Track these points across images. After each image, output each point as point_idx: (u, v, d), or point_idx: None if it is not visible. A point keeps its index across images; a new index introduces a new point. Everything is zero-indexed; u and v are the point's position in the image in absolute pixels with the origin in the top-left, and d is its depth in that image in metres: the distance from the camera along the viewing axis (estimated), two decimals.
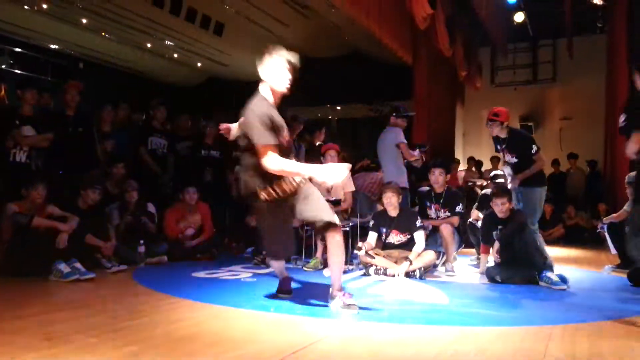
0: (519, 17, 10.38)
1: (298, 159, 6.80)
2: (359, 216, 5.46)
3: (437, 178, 5.16)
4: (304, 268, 4.99)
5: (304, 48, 11.78)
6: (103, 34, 9.79)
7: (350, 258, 5.16)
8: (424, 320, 2.93)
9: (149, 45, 10.52)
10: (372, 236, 4.82)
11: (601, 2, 9.60)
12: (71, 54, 10.52)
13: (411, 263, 4.51)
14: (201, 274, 4.57)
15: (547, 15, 10.71)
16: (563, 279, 4.09)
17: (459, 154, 11.58)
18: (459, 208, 5.11)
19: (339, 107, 13.46)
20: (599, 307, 3.55)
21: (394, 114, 5.91)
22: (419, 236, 4.68)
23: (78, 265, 4.15)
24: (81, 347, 2.28)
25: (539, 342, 2.49)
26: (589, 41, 10.80)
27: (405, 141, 5.80)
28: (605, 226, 5.52)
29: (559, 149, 10.89)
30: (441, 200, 5.16)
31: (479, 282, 4.52)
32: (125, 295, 3.70)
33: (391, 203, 4.79)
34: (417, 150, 5.95)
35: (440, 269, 4.98)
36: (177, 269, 5.05)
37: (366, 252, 4.63)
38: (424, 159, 6.19)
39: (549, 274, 4.12)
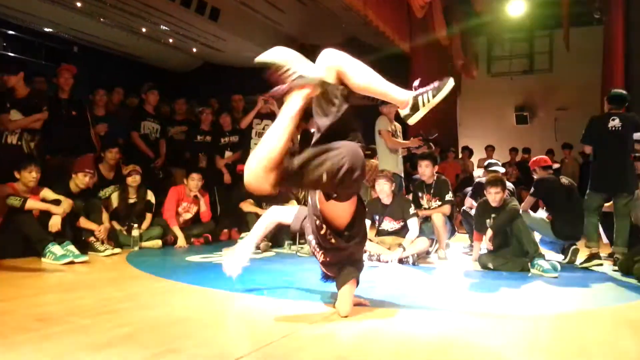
0: (516, 7, 10.35)
1: (293, 144, 6.85)
2: None
3: (424, 170, 5.19)
4: (298, 254, 5.01)
5: (300, 35, 11.76)
6: (98, 17, 9.69)
7: None
8: (416, 306, 2.96)
9: (144, 29, 10.40)
10: (366, 223, 4.82)
11: None
12: (65, 38, 10.41)
13: (404, 249, 4.53)
14: (195, 258, 4.58)
15: (544, 5, 10.68)
16: (554, 267, 4.12)
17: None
18: (448, 196, 5.15)
19: None
20: (589, 295, 3.59)
21: (379, 102, 5.91)
22: (413, 223, 4.70)
23: (71, 247, 4.16)
24: (74, 328, 2.29)
25: (529, 329, 2.51)
26: (585, 32, 10.79)
27: (388, 128, 5.76)
28: None
29: (553, 139, 10.93)
30: (432, 191, 5.19)
31: (472, 269, 4.55)
32: (118, 279, 3.70)
33: (383, 190, 4.81)
34: (418, 138, 5.90)
35: (433, 256, 5.01)
36: (171, 253, 5.06)
37: None
38: (432, 147, 6.15)
39: (540, 261, 4.15)
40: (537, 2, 10.45)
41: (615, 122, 4.71)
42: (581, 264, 4.69)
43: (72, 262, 4.02)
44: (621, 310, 3.05)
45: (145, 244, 5.14)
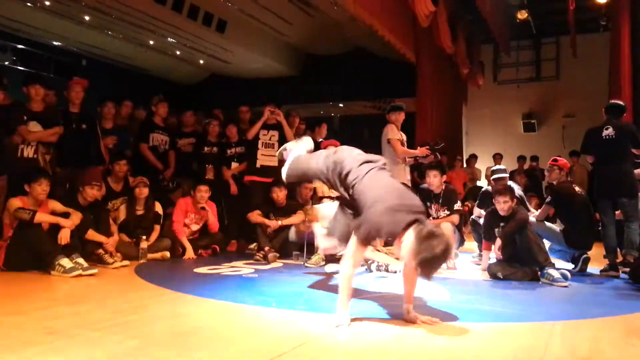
0: (522, 14, 10.36)
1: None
2: None
3: (432, 180, 5.19)
4: (306, 264, 5.00)
5: (306, 45, 11.84)
6: (106, 31, 9.81)
7: None
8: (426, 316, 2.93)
9: (151, 42, 10.54)
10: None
11: (605, 0, 9.56)
12: (74, 51, 10.55)
13: None
14: (203, 270, 4.58)
15: (551, 12, 10.69)
16: (564, 276, 4.08)
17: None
18: (457, 206, 5.14)
19: (341, 105, 13.46)
20: (599, 304, 3.56)
21: (387, 111, 5.92)
22: None
23: (80, 260, 4.18)
24: (83, 341, 2.29)
25: (539, 338, 2.49)
26: (592, 39, 10.77)
27: (398, 136, 5.75)
28: None
29: (561, 147, 10.87)
30: (440, 200, 5.18)
31: (481, 278, 4.52)
32: (127, 291, 3.71)
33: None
34: (425, 147, 5.90)
35: (442, 265, 4.97)
36: (179, 264, 5.06)
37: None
38: (439, 157, 6.15)
39: (550, 270, 4.12)
40: (543, 9, 10.46)
41: (608, 131, 4.93)
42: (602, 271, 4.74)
43: (80, 275, 4.03)
44: (632, 319, 3.02)
45: (153, 255, 5.15)
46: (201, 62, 11.90)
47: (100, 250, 4.71)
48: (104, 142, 5.88)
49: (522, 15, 10.38)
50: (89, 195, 4.87)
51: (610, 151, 4.90)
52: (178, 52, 11.27)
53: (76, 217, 4.49)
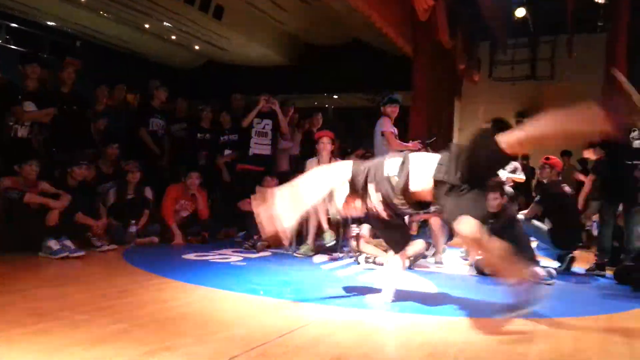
0: (520, 12, 10.34)
1: (293, 145, 6.82)
2: None
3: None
4: (295, 254, 5.01)
5: (303, 35, 11.77)
6: (101, 12, 9.70)
7: (341, 246, 5.19)
8: (412, 309, 2.96)
9: (147, 26, 10.43)
10: (366, 227, 4.84)
11: (603, 1, 9.57)
12: (69, 32, 10.43)
13: None
14: (191, 256, 4.58)
15: (548, 11, 10.67)
16: (550, 274, 4.13)
17: None
18: None
19: (336, 96, 13.42)
20: (584, 302, 3.61)
21: (382, 103, 5.85)
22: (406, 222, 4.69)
23: (68, 242, 4.16)
24: (69, 323, 2.29)
25: (524, 334, 2.52)
26: (588, 40, 10.78)
27: (391, 129, 5.71)
28: (595, 223, 5.58)
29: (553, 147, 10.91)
30: None
31: (468, 273, 4.55)
32: (114, 275, 3.70)
33: None
34: (416, 141, 5.86)
35: (430, 260, 5.01)
36: (167, 250, 5.06)
37: (356, 239, 4.66)
38: (429, 151, 6.12)
39: (536, 268, 4.15)
40: (542, 8, 10.44)
41: (635, 134, 4.77)
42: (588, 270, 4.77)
43: (67, 257, 4.02)
44: (615, 318, 3.06)
45: (141, 240, 5.14)
46: (197, 47, 11.80)
47: (89, 233, 4.70)
48: (96, 124, 5.83)
49: (521, 12, 10.36)
50: (77, 175, 4.84)
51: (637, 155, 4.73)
52: (174, 37, 11.17)
53: (65, 199, 4.47)
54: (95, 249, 4.57)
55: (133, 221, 5.14)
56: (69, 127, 5.31)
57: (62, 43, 10.13)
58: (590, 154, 5.19)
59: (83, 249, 4.31)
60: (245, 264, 4.40)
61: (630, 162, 4.63)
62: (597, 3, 9.72)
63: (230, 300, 2.99)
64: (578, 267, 4.92)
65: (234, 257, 4.65)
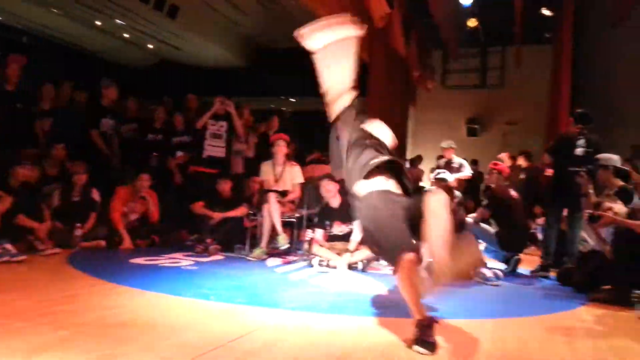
0: (472, 22, 10.65)
1: (247, 148, 6.77)
2: (307, 208, 5.49)
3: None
4: (248, 257, 4.97)
5: (259, 37, 11.73)
6: (50, 8, 9.35)
7: (294, 249, 5.18)
8: (362, 312, 2.98)
9: (98, 23, 10.13)
10: (319, 232, 4.85)
11: (550, 13, 9.99)
12: (15, 27, 10.00)
13: (352, 254, 4.57)
14: (140, 261, 4.45)
15: (498, 22, 11.04)
16: (497, 276, 4.26)
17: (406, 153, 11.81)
18: None
19: (293, 100, 13.42)
20: (528, 303, 3.74)
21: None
22: (356, 225, 4.73)
23: (8, 246, 3.98)
24: (8, 331, 2.19)
25: (470, 334, 2.58)
26: (535, 50, 11.22)
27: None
28: (539, 227, 5.79)
29: (501, 151, 11.28)
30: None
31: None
32: (58, 280, 3.55)
33: (328, 190, 4.84)
34: None
35: (382, 262, 5.06)
36: (115, 254, 4.91)
37: (310, 244, 4.68)
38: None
39: (483, 270, 4.28)
40: (491, 18, 10.79)
41: (581, 142, 4.86)
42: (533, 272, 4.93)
43: (8, 261, 3.84)
44: (557, 318, 3.19)
45: (87, 244, 4.97)
46: (150, 46, 11.57)
47: (32, 237, 4.50)
48: (41, 124, 5.60)
49: (472, 23, 10.67)
50: (20, 175, 4.63)
51: (580, 162, 4.82)
52: (127, 35, 10.90)
53: (6, 201, 4.27)
54: (38, 252, 4.38)
55: (78, 224, 4.95)
56: (12, 126, 5.08)
57: (7, 38, 9.71)
58: (522, 161, 5.39)
59: (25, 253, 4.12)
60: (196, 268, 4.32)
61: (573, 169, 4.82)
62: (544, 16, 10.15)
63: (180, 306, 2.92)
64: (523, 269, 5.09)
65: (184, 261, 4.56)
